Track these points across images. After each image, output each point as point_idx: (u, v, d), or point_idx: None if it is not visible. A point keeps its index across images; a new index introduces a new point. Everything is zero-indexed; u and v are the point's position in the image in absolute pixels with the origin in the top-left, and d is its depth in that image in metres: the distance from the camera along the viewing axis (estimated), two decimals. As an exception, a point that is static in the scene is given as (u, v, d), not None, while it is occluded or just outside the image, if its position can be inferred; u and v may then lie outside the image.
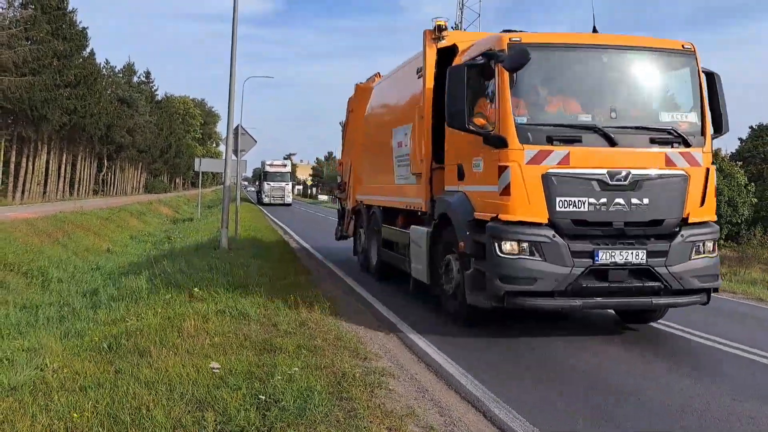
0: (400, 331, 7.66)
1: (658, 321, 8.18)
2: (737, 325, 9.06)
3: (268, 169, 53.40)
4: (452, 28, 58.01)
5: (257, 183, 67.04)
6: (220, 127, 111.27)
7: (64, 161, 47.92)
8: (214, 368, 5.30)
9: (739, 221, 36.66)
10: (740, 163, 38.98)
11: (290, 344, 6.31)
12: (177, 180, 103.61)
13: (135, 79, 73.13)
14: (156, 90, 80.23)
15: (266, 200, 51.97)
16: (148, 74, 78.42)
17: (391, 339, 7.34)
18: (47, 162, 44.22)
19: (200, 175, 29.95)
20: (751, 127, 53.77)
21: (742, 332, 8.31)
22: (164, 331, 6.62)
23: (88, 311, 8.79)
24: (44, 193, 43.71)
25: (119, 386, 4.87)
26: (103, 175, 62.23)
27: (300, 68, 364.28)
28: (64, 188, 48.49)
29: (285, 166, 55.44)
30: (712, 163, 7.22)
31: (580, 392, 5.57)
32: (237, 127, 16.63)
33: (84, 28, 44.72)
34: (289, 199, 53.37)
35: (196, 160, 26.40)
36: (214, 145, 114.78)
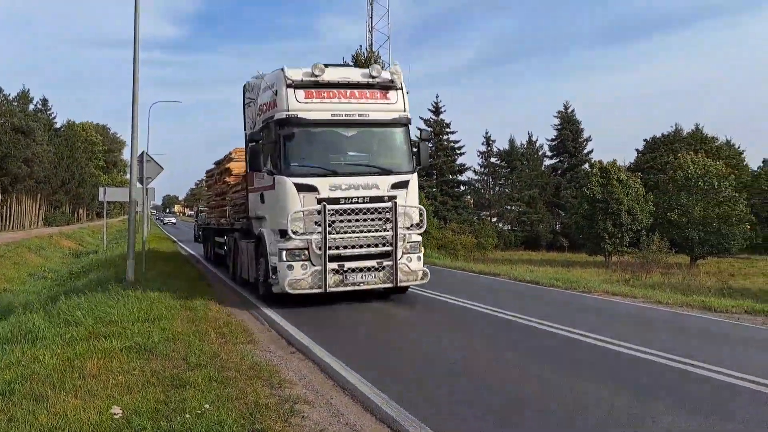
0: (315, 354, 7.58)
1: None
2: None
3: (300, 111, 10.36)
4: (365, 51, 56.01)
5: (268, 190, 11.39)
6: (127, 155, 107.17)
7: (-48, 196, 44.62)
8: (115, 414, 5.00)
9: (639, 228, 39.08)
10: (639, 174, 41.62)
11: (200, 377, 6.11)
12: (80, 211, 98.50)
13: (31, 107, 69.33)
14: (54, 118, 76.46)
15: (288, 284, 10.10)
16: (45, 101, 74.72)
17: (306, 364, 7.26)
18: (-68, 197, 41.04)
19: (105, 205, 28.61)
20: (645, 140, 57.51)
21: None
22: (63, 372, 6.26)
23: (-23, 357, 8.14)
24: (-70, 231, 40.43)
25: (11, 436, 4.55)
26: (-2, 209, 58.34)
27: (212, 93, 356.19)
28: (-48, 225, 45.07)
29: (390, 82, 10.97)
30: None
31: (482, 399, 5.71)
32: (142, 154, 16.06)
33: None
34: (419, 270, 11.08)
35: (100, 189, 25.20)
36: (121, 173, 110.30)
